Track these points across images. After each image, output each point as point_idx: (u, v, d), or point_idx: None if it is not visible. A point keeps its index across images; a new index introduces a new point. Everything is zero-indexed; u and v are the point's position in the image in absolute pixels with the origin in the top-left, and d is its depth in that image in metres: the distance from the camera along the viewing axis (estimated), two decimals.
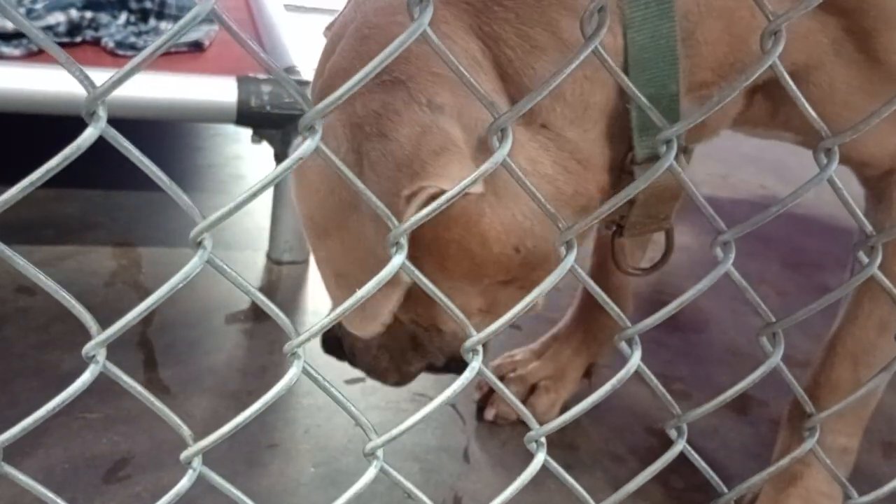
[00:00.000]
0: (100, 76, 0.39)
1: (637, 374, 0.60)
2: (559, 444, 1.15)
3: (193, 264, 0.42)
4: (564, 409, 1.23)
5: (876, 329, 0.95)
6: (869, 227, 0.60)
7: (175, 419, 0.47)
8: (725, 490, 0.67)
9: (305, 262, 1.59)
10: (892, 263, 0.82)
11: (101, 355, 0.43)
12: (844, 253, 1.90)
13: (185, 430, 0.47)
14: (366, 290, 0.47)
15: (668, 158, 0.52)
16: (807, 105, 0.53)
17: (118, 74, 0.39)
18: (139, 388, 0.45)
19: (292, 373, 0.47)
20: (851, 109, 0.67)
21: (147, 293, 1.43)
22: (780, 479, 1.03)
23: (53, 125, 1.40)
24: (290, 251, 1.58)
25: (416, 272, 0.50)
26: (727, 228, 0.57)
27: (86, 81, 0.39)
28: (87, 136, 0.39)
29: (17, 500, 0.95)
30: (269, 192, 1.55)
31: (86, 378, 0.42)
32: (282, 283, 1.53)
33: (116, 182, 1.74)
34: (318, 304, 1.48)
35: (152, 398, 0.45)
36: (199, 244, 0.42)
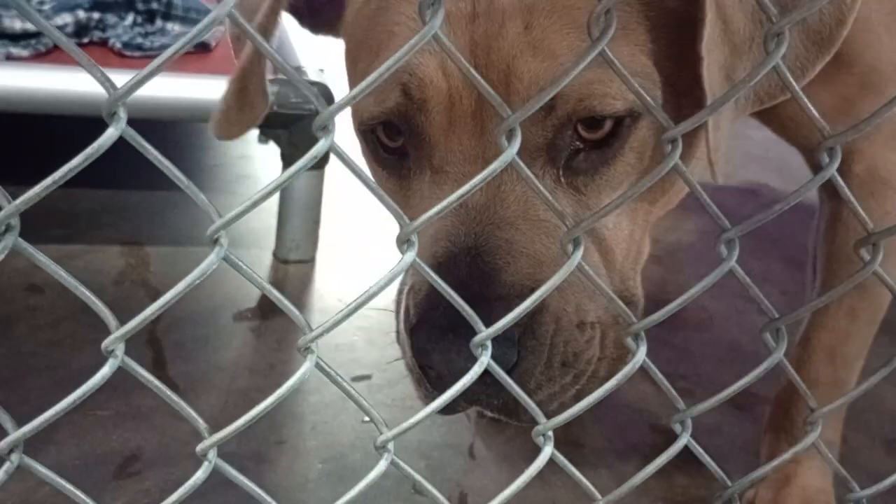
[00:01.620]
0: (109, 77, 0.40)
1: (641, 372, 0.61)
2: (564, 441, 1.16)
3: (210, 261, 0.43)
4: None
5: (847, 317, 0.96)
6: (870, 224, 0.60)
7: (191, 412, 0.48)
8: (729, 483, 0.68)
9: (312, 260, 1.60)
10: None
11: (120, 350, 0.44)
12: None
13: (201, 423, 0.48)
14: (384, 281, 0.48)
15: (673, 157, 0.53)
16: (808, 104, 0.54)
17: (139, 76, 0.40)
18: (156, 381, 0.46)
19: (305, 367, 0.48)
20: (813, 102, 0.68)
21: (155, 291, 1.45)
22: (774, 481, 1.04)
23: (60, 125, 1.41)
24: (296, 250, 1.59)
25: (431, 273, 0.51)
26: (731, 226, 0.58)
27: (107, 83, 0.40)
28: (108, 137, 0.40)
29: (29, 495, 0.96)
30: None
31: (105, 372, 0.43)
32: (288, 281, 1.54)
33: (124, 182, 1.76)
34: (324, 303, 1.49)
35: (168, 391, 0.46)
36: (215, 241, 0.43)
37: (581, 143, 0.66)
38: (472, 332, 0.53)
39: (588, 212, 0.66)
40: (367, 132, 0.72)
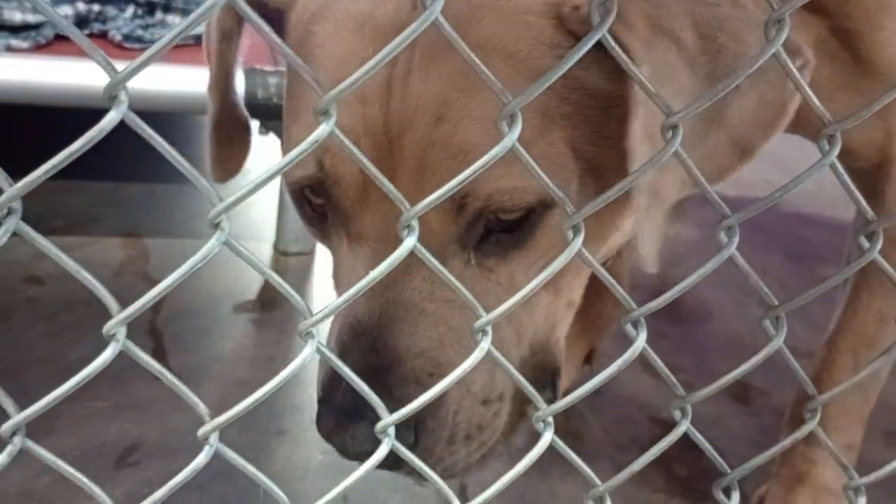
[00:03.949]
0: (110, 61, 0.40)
1: (640, 363, 0.61)
2: (563, 433, 1.15)
3: (211, 245, 0.43)
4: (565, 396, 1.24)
5: (875, 322, 0.95)
6: (870, 213, 0.61)
7: (192, 396, 0.48)
8: (728, 470, 0.68)
9: (312, 253, 1.60)
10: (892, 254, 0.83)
11: (122, 334, 0.44)
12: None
13: (202, 408, 0.48)
14: (379, 271, 0.48)
15: (674, 144, 0.53)
16: (809, 93, 0.54)
17: (140, 59, 0.40)
18: (157, 365, 0.46)
19: (307, 352, 0.48)
20: (835, 104, 0.68)
21: (156, 283, 1.43)
22: (787, 478, 1.03)
23: (60, 117, 1.41)
24: (296, 242, 1.59)
25: (432, 258, 0.51)
26: (731, 213, 0.58)
27: (108, 67, 0.40)
28: (110, 120, 0.40)
29: (30, 484, 0.96)
30: (276, 183, 1.56)
31: (107, 356, 0.43)
32: (288, 273, 1.54)
33: (124, 174, 1.76)
34: (324, 295, 1.49)
35: (171, 376, 0.46)
36: (216, 226, 0.43)
37: (493, 225, 0.64)
38: (370, 415, 0.56)
39: (500, 289, 0.65)
40: (295, 189, 0.71)
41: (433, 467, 0.62)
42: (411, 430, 0.63)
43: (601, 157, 0.64)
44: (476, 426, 0.66)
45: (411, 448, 0.61)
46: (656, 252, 0.62)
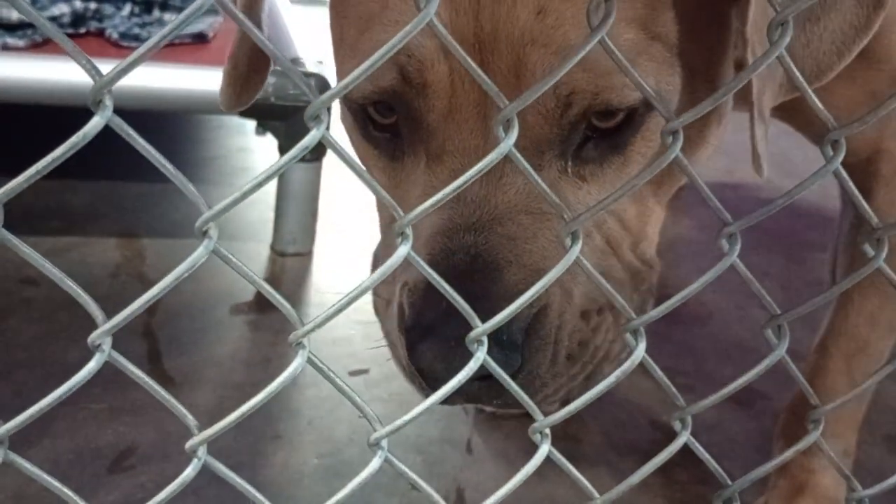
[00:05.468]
0: (104, 67, 0.39)
1: (641, 367, 0.60)
2: (562, 436, 1.15)
3: (199, 254, 0.42)
4: (565, 402, 1.23)
5: (867, 325, 0.93)
6: (875, 220, 0.59)
7: (180, 408, 0.47)
8: (729, 482, 0.67)
9: (309, 254, 1.60)
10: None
11: (107, 344, 0.43)
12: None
13: (191, 420, 0.47)
14: (377, 275, 0.47)
15: (674, 150, 0.51)
16: (812, 94, 0.53)
17: (124, 63, 0.39)
18: (144, 377, 0.45)
19: (297, 363, 0.47)
20: (833, 96, 0.66)
21: (152, 284, 1.40)
22: (785, 489, 1.02)
23: (58, 116, 1.40)
24: (293, 243, 1.58)
25: (426, 267, 0.50)
26: (732, 220, 0.57)
27: (92, 70, 0.39)
28: (94, 125, 0.39)
29: (21, 490, 0.95)
30: (273, 183, 1.55)
31: (91, 367, 0.42)
32: (285, 274, 1.53)
33: (122, 173, 1.75)
34: (322, 297, 1.48)
35: (157, 387, 0.45)
36: (204, 234, 0.42)
37: (591, 131, 0.62)
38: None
39: (591, 199, 0.63)
40: (357, 109, 0.67)
41: (533, 396, 0.58)
42: (518, 352, 0.59)
43: (694, 57, 0.62)
44: (577, 343, 0.63)
45: (515, 374, 0.57)
46: (765, 159, 0.62)
